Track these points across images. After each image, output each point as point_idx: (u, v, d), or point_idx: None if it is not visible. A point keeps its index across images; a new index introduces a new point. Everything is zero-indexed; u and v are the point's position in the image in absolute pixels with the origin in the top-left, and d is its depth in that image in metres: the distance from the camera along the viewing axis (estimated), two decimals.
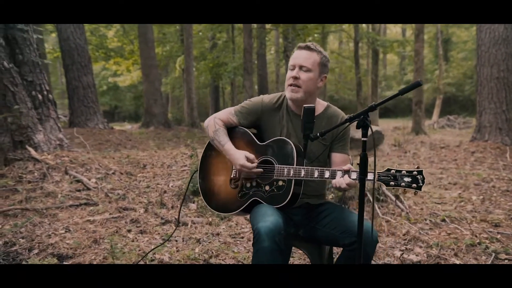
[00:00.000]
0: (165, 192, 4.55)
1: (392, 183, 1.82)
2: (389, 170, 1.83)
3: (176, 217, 3.89)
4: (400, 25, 31.84)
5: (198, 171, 2.39)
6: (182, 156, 6.12)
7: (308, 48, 2.13)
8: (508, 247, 3.27)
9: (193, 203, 4.30)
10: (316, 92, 2.21)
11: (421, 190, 1.80)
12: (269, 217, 1.90)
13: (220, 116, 2.31)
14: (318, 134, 1.93)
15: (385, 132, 13.42)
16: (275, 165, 2.10)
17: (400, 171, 1.81)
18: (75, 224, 3.69)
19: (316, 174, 1.99)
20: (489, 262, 3.01)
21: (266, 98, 2.30)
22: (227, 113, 2.31)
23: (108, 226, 3.69)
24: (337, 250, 3.08)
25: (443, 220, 3.95)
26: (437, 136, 13.18)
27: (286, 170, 2.05)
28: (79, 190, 4.58)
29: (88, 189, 4.62)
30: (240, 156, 2.13)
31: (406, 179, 1.80)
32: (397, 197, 4.40)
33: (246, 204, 2.16)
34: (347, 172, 1.90)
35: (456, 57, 30.45)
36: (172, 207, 4.21)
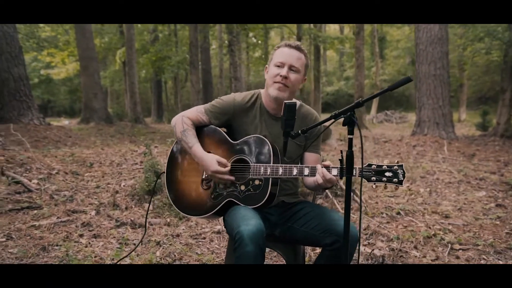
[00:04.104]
0: (117, 192, 4.28)
1: (373, 178, 1.80)
2: (370, 165, 1.81)
3: (134, 219, 3.67)
4: None
5: (165, 173, 2.24)
6: (132, 153, 5.80)
7: (298, 48, 2.07)
8: (460, 237, 3.44)
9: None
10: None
11: (402, 185, 1.79)
12: (250, 220, 1.81)
13: (188, 115, 2.17)
14: (299, 132, 1.86)
15: (330, 127, 13.81)
16: (251, 164, 2.02)
17: (381, 166, 1.80)
18: (17, 231, 3.35)
19: (295, 171, 1.93)
20: (446, 253, 3.15)
21: (238, 96, 2.20)
22: (197, 112, 2.19)
23: (57, 231, 3.40)
24: (309, 250, 3.06)
25: (398, 213, 4.08)
26: (378, 131, 13.79)
27: (262, 168, 1.98)
28: (19, 193, 4.18)
29: (30, 191, 4.23)
30: (211, 162, 2.02)
31: (387, 174, 1.79)
32: (352, 191, 4.48)
33: (221, 205, 2.06)
34: (327, 168, 1.85)
35: (390, 55, 32.02)
36: (126, 208, 3.97)
